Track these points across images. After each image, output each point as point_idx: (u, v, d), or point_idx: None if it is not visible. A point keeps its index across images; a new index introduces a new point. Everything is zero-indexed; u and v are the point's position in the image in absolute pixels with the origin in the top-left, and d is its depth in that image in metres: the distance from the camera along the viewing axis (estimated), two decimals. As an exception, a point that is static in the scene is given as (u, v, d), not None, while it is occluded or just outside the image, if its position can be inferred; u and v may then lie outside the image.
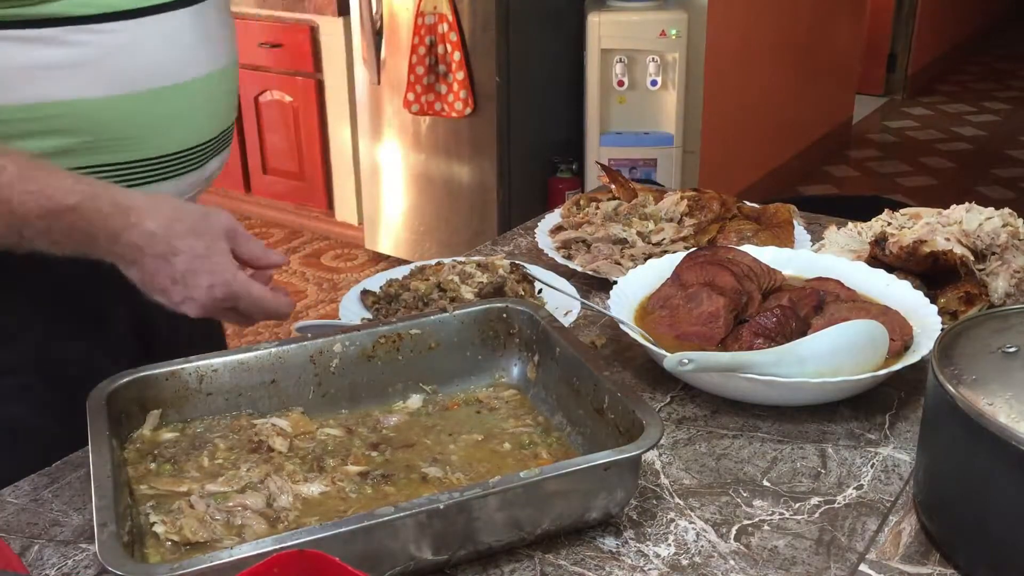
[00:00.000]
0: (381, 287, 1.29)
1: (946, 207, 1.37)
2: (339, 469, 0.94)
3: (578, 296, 1.24)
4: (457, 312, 1.09)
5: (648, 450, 0.85)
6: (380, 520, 0.77)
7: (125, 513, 0.84)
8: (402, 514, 0.78)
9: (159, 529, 0.85)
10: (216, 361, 1.01)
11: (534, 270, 1.31)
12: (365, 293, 1.29)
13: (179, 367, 1.00)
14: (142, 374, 0.98)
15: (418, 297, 1.21)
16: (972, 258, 1.23)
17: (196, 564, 0.73)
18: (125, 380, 0.97)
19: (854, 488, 0.95)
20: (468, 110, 3.47)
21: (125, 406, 0.96)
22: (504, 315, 1.09)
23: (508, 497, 0.81)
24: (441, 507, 0.79)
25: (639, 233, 1.48)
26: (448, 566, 0.84)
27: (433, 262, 1.35)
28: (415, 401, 1.06)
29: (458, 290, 1.22)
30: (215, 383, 1.01)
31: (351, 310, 1.27)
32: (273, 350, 1.03)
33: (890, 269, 1.26)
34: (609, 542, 0.88)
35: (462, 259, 1.34)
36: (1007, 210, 1.32)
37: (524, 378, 1.08)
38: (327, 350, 1.04)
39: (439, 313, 1.09)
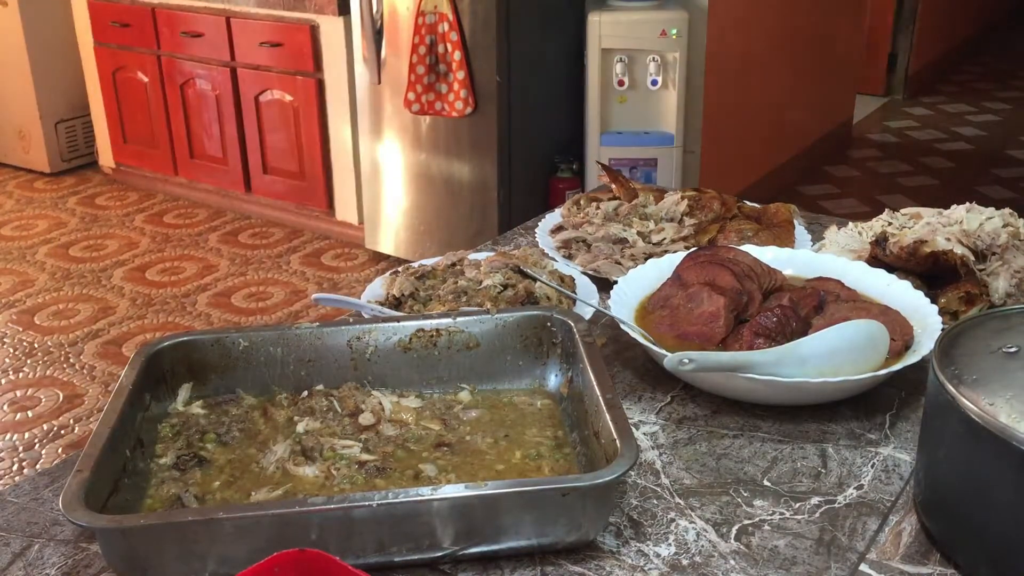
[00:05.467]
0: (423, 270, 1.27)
1: (947, 207, 1.37)
2: (342, 456, 0.94)
3: (597, 306, 1.23)
4: (499, 315, 1.08)
5: (606, 482, 0.81)
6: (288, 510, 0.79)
7: (123, 465, 0.88)
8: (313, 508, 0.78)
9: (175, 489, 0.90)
10: (259, 334, 1.04)
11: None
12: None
13: (223, 335, 1.03)
14: (188, 338, 1.02)
15: (460, 290, 1.21)
16: (972, 258, 1.23)
17: (134, 520, 0.80)
18: (171, 342, 1.01)
19: (854, 488, 0.95)
20: (469, 109, 3.47)
21: (171, 366, 1.01)
22: (548, 324, 1.07)
23: (455, 505, 0.81)
24: (374, 506, 0.79)
25: (639, 233, 1.48)
26: (443, 563, 0.84)
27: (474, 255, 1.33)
28: (464, 395, 1.06)
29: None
30: (256, 355, 1.03)
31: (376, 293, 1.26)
32: (314, 330, 1.05)
33: (890, 269, 1.26)
34: (609, 542, 0.88)
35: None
36: (1007, 210, 1.32)
37: (558, 390, 1.07)
38: (364, 336, 1.05)
39: (481, 313, 1.08)
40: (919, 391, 1.10)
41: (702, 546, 0.87)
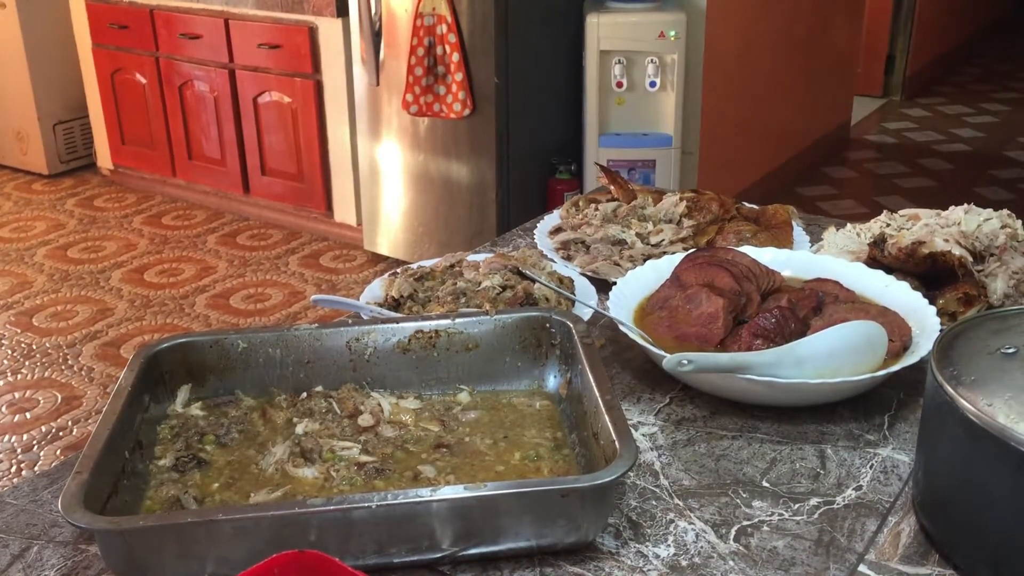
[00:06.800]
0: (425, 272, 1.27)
1: (945, 209, 1.37)
2: (341, 458, 0.94)
3: (596, 307, 1.23)
4: (498, 316, 1.08)
5: (604, 483, 0.81)
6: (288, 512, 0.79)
7: (122, 467, 0.88)
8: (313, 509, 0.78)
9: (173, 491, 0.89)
10: (258, 335, 1.04)
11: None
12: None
13: (222, 336, 1.03)
14: (187, 339, 1.02)
15: (458, 291, 1.21)
16: (971, 259, 1.23)
17: (134, 521, 0.79)
18: (170, 343, 1.01)
19: (853, 489, 0.95)
20: (467, 111, 3.47)
21: (170, 367, 1.01)
22: (547, 325, 1.07)
23: (455, 506, 0.81)
24: (373, 507, 0.79)
25: (638, 234, 1.48)
26: (442, 564, 0.84)
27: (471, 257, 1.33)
28: (463, 396, 1.06)
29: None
30: (255, 357, 1.03)
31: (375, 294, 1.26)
32: (312, 331, 1.05)
33: (889, 270, 1.26)
34: (609, 543, 0.88)
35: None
36: (1005, 211, 1.32)
37: (557, 391, 1.07)
38: (363, 338, 1.05)
39: (480, 314, 1.08)
40: (918, 392, 1.10)
41: (701, 547, 0.87)
